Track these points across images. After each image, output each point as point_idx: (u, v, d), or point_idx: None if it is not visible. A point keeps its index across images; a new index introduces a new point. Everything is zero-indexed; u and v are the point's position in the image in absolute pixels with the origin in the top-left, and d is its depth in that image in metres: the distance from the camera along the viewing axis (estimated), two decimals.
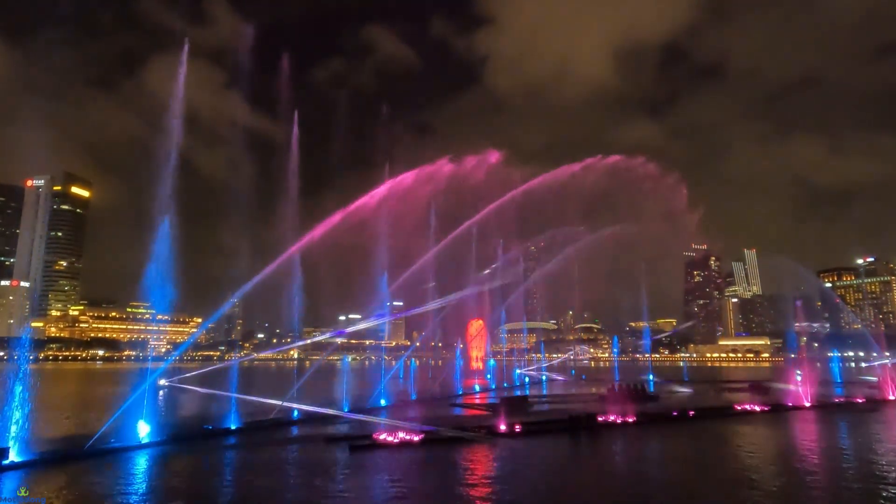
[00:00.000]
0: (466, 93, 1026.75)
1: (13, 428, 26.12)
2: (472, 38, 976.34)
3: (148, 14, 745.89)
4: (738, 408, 51.39)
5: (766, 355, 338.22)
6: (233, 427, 38.33)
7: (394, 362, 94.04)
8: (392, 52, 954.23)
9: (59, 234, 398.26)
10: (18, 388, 26.43)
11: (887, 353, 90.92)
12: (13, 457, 26.02)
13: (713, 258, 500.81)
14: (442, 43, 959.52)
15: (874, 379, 78.93)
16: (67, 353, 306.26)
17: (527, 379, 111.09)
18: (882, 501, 21.07)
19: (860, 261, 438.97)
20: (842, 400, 60.26)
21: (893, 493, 22.06)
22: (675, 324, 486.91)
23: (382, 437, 33.21)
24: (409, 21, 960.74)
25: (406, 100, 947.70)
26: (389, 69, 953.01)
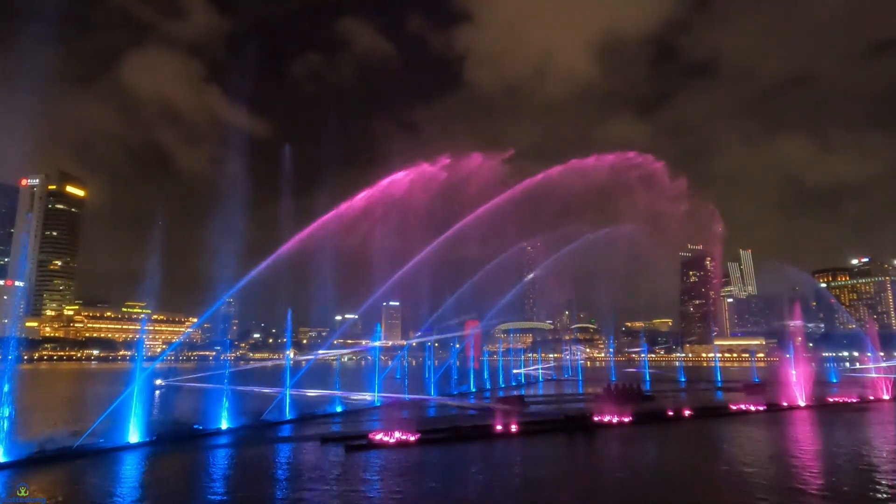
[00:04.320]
0: (449, 91, 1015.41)
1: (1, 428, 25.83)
2: (450, 34, 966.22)
3: (121, 8, 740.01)
4: (734, 408, 51.42)
5: (762, 355, 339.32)
6: (224, 427, 38.05)
7: (389, 362, 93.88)
8: (370, 45, 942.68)
9: (54, 233, 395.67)
10: (7, 388, 26.13)
11: (882, 354, 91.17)
12: (0, 457, 25.73)
13: (708, 258, 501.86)
14: (420, 40, 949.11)
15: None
16: (62, 353, 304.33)
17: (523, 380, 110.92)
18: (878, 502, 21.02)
19: (854, 261, 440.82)
20: (836, 399, 60.36)
21: (888, 493, 22.02)
22: (670, 324, 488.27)
23: (378, 436, 33.04)
24: (384, 16, 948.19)
25: (388, 97, 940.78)
26: (368, 63, 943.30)
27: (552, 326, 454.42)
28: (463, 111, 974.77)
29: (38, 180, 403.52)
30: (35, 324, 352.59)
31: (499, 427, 36.71)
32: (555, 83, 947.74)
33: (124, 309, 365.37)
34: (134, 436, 31.88)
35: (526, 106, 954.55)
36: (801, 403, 54.50)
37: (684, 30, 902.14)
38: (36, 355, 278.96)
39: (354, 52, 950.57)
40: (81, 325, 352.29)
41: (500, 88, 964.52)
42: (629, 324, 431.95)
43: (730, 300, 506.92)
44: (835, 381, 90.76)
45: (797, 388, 56.58)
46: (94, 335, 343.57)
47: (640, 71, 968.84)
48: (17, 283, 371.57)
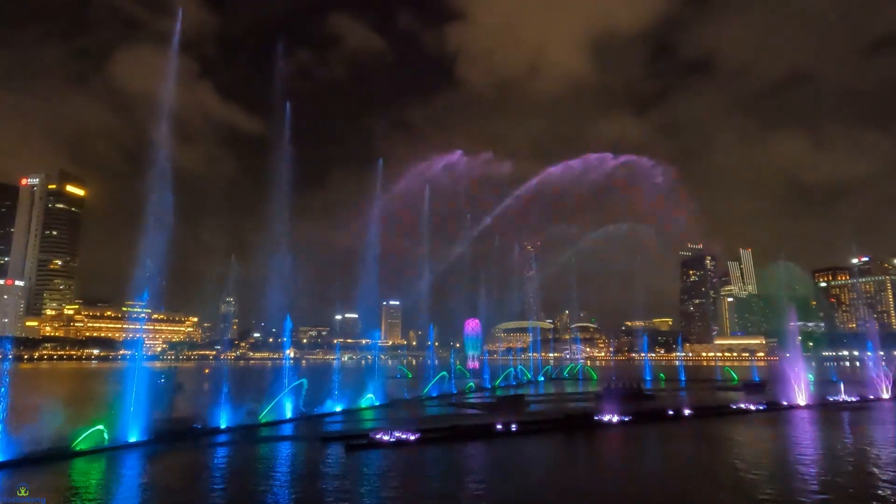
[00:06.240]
0: (442, 88, 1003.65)
1: None
2: (443, 31, 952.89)
3: (112, 6, 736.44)
4: (734, 406, 51.41)
5: (762, 354, 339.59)
6: (223, 426, 38.02)
7: (390, 361, 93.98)
8: (361, 42, 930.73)
9: (55, 232, 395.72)
10: (3, 388, 26.12)
11: (881, 353, 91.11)
12: None
13: (709, 258, 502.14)
14: (412, 37, 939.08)
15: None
16: (62, 353, 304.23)
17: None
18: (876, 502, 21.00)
19: (854, 260, 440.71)
20: (837, 399, 60.33)
21: (887, 494, 22.00)
22: (670, 323, 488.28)
23: (379, 436, 33.02)
24: (375, 12, 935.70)
25: (380, 95, 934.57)
26: (360, 60, 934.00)
27: (552, 325, 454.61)
28: (456, 109, 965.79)
29: (38, 180, 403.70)
30: (35, 323, 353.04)
31: (499, 426, 36.70)
32: (548, 81, 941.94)
33: (124, 308, 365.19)
34: (134, 435, 31.85)
35: (520, 104, 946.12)
36: (802, 402, 54.50)
37: (680, 27, 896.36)
38: (36, 354, 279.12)
39: (346, 49, 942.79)
40: (81, 324, 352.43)
41: (492, 86, 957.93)
42: (629, 323, 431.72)
43: (730, 299, 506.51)
44: (835, 379, 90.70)
45: (797, 387, 56.56)
46: (94, 334, 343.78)
47: (636, 68, 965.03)
48: (17, 283, 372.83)
